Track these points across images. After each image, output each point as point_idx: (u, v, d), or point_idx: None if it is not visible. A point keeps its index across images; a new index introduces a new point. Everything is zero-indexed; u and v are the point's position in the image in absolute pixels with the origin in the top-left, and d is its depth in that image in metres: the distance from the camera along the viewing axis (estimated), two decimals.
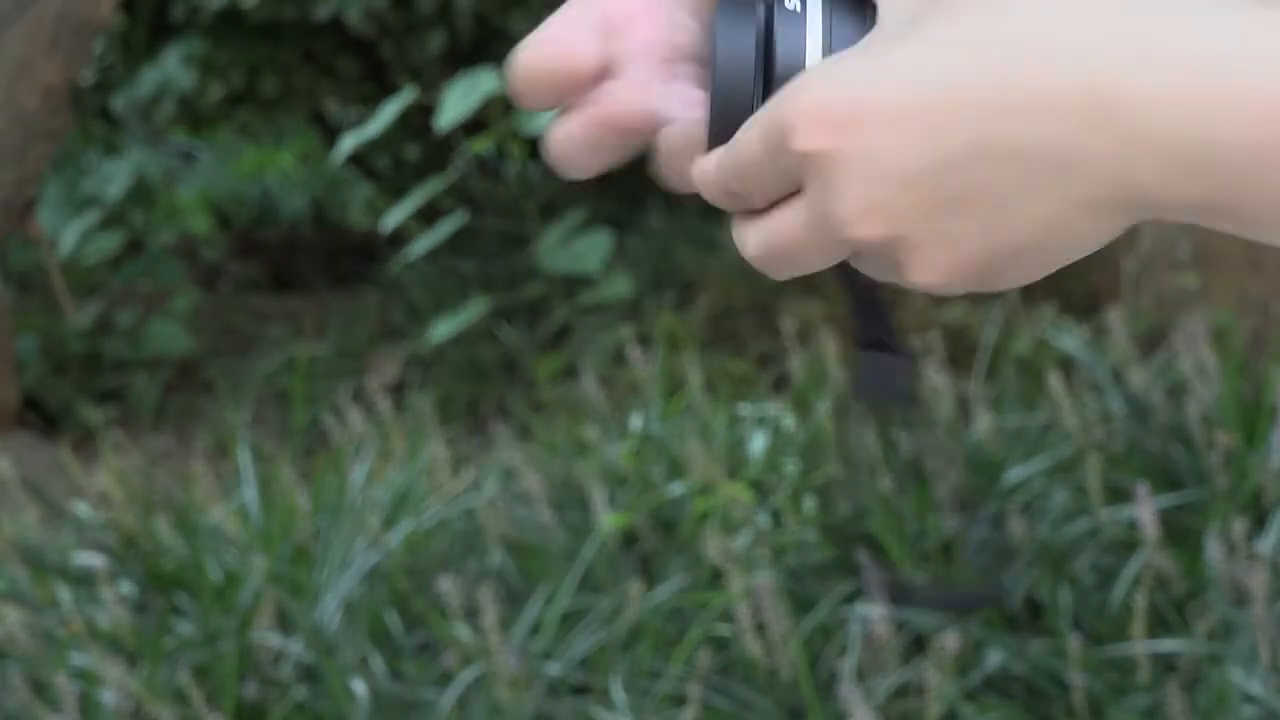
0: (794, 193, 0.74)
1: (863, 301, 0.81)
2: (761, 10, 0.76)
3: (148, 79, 7.86)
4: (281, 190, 9.94)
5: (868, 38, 0.73)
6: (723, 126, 0.76)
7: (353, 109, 8.64)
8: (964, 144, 0.70)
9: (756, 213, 0.76)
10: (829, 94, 0.71)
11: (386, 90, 7.20)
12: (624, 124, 0.80)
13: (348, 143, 5.57)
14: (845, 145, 0.71)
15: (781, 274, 0.77)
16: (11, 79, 5.13)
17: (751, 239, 0.76)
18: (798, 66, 0.75)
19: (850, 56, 0.72)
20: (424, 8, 7.28)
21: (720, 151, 0.76)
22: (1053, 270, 0.73)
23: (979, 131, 0.70)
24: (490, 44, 7.26)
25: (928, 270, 0.72)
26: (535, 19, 7.01)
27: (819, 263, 0.76)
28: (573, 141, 0.80)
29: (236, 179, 9.94)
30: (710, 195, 0.77)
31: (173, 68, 7.77)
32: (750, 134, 0.74)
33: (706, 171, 0.76)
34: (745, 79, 0.76)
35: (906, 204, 0.71)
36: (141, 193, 7.82)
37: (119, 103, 8.54)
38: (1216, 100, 0.68)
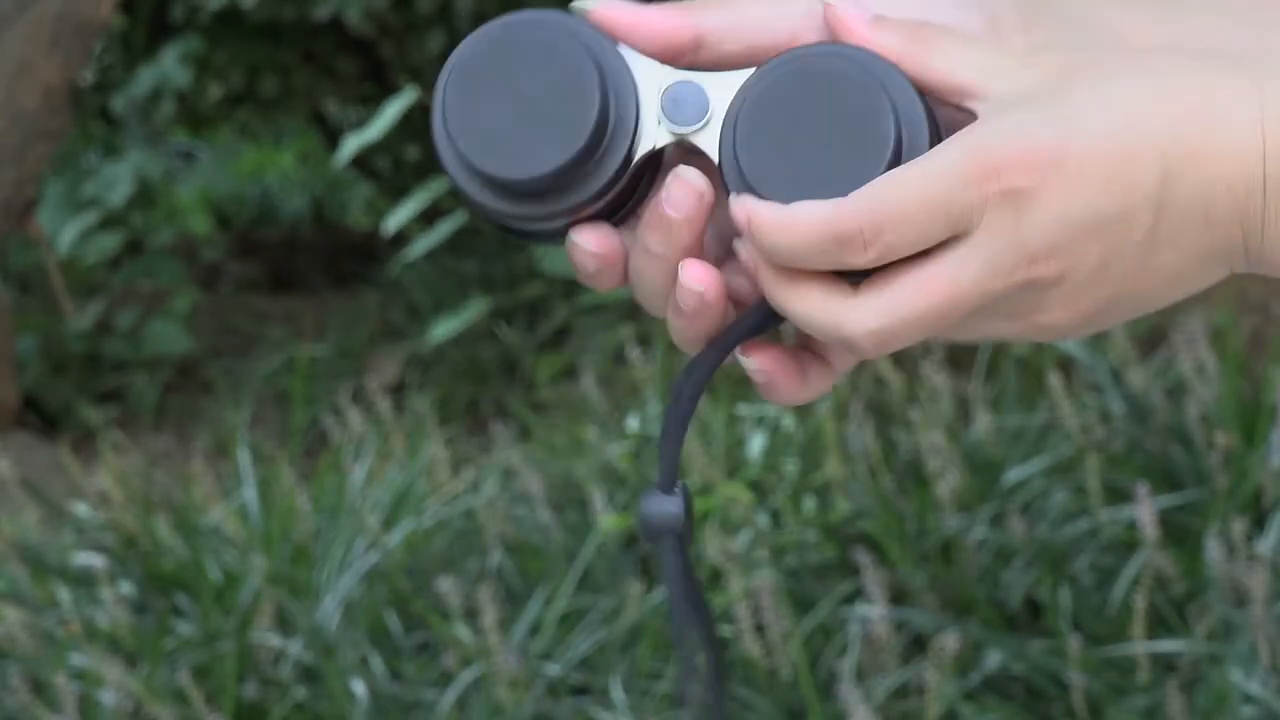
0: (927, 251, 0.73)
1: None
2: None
3: (145, 78, 7.86)
4: (281, 190, 9.93)
5: (998, 104, 0.74)
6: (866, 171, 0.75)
7: (353, 109, 8.64)
8: (1144, 194, 0.72)
9: (855, 284, 0.74)
10: (1035, 136, 0.72)
11: (386, 90, 7.19)
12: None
13: (350, 145, 5.57)
14: (1043, 185, 0.72)
15: (896, 346, 0.75)
16: (11, 79, 5.14)
17: (870, 311, 0.74)
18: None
19: (1023, 110, 0.73)
20: (424, 8, 7.28)
21: (854, 197, 0.73)
22: (1127, 316, 0.76)
23: (1157, 181, 0.72)
24: None
25: (1063, 316, 0.75)
26: None
27: (949, 325, 0.74)
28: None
29: (236, 179, 9.94)
30: (805, 248, 0.73)
31: (170, 67, 7.77)
32: (927, 173, 0.73)
33: (817, 218, 0.73)
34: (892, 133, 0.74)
35: (1085, 248, 0.73)
36: (141, 193, 7.82)
37: (119, 103, 8.55)
38: None
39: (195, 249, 8.42)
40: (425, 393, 5.76)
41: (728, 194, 0.76)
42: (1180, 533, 3.37)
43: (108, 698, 3.22)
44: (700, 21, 0.78)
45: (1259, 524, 3.33)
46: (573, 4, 0.78)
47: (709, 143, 0.78)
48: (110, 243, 7.41)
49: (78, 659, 3.39)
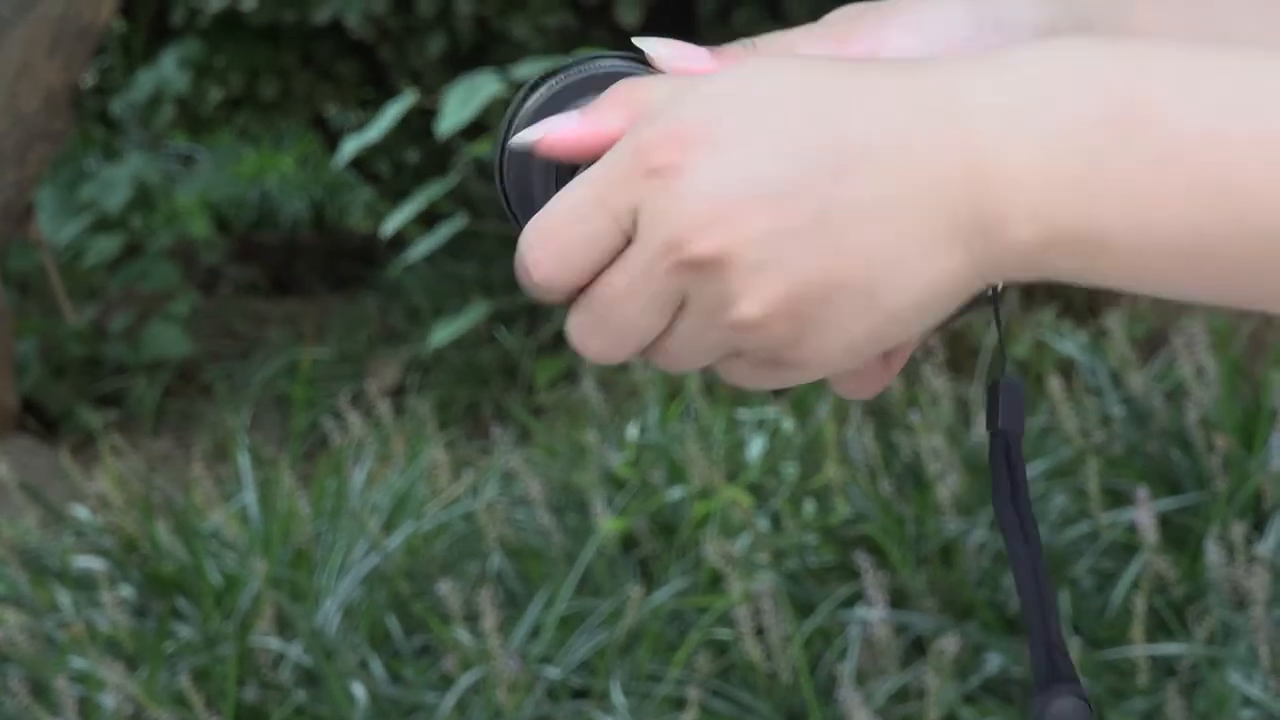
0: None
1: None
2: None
3: (144, 81, 7.86)
4: (281, 193, 9.93)
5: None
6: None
7: (352, 112, 8.63)
8: (819, 156, 0.67)
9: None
10: (684, 116, 0.68)
11: (386, 94, 7.20)
12: None
13: (349, 147, 5.57)
14: (692, 159, 0.67)
15: (601, 348, 0.72)
16: (12, 82, 5.14)
17: (576, 317, 0.72)
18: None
19: (677, 93, 0.70)
20: (424, 11, 7.28)
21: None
22: (879, 328, 0.68)
23: (835, 143, 0.67)
24: (490, 48, 7.26)
25: (757, 308, 0.68)
26: (535, 23, 7.01)
27: (645, 319, 0.70)
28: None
29: (236, 182, 9.93)
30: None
31: (170, 70, 7.77)
32: (584, 179, 0.70)
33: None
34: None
35: (745, 219, 0.67)
36: (141, 197, 7.82)
37: (118, 106, 8.54)
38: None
39: (194, 252, 8.42)
40: (425, 396, 5.76)
41: None
42: (1180, 536, 3.37)
43: (108, 701, 3.22)
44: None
45: (1258, 527, 3.33)
46: (635, 40, 0.75)
47: None
48: (110, 246, 7.41)
49: (78, 662, 3.39)
